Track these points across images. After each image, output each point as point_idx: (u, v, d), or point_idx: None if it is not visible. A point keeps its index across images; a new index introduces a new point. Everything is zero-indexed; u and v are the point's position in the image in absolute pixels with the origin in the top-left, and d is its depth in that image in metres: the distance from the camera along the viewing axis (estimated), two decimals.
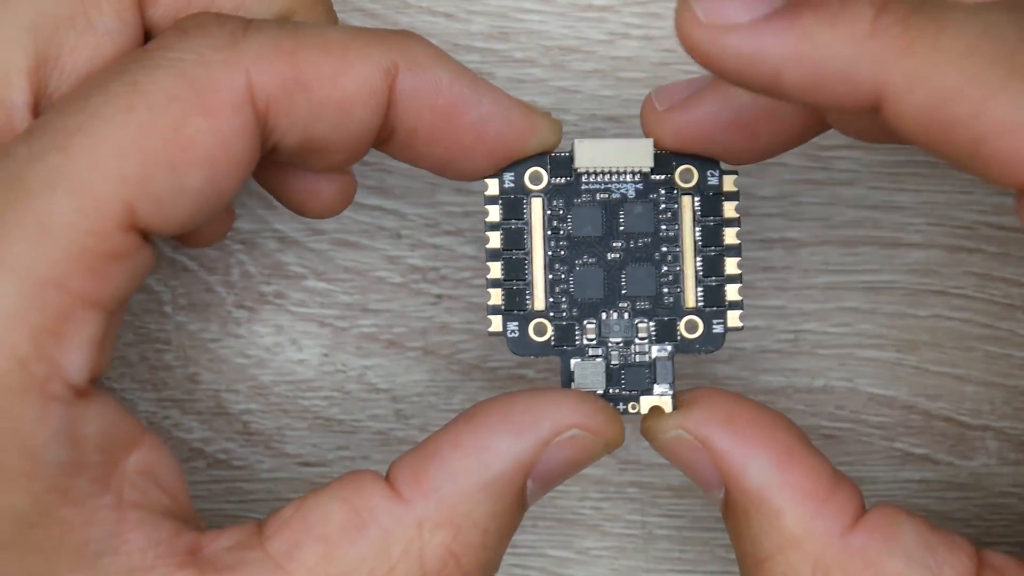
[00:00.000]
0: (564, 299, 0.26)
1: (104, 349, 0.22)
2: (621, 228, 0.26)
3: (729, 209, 0.26)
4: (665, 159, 0.26)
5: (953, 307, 0.31)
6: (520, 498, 0.24)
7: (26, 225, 0.21)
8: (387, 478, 0.24)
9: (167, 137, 0.22)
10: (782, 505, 0.23)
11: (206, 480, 0.32)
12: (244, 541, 0.23)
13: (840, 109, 0.22)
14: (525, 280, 0.26)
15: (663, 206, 0.26)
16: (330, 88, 0.24)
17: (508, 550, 0.31)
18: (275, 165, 0.26)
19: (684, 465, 0.25)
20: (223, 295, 0.32)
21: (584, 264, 0.26)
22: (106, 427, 0.22)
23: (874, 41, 0.21)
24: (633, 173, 0.26)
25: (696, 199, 0.26)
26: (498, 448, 0.24)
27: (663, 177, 0.26)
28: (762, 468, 0.24)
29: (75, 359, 0.21)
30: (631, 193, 0.26)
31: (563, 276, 0.26)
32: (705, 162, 0.26)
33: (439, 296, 0.32)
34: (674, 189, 0.26)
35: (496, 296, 0.26)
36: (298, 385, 0.32)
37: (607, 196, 0.26)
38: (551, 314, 0.26)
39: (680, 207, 0.26)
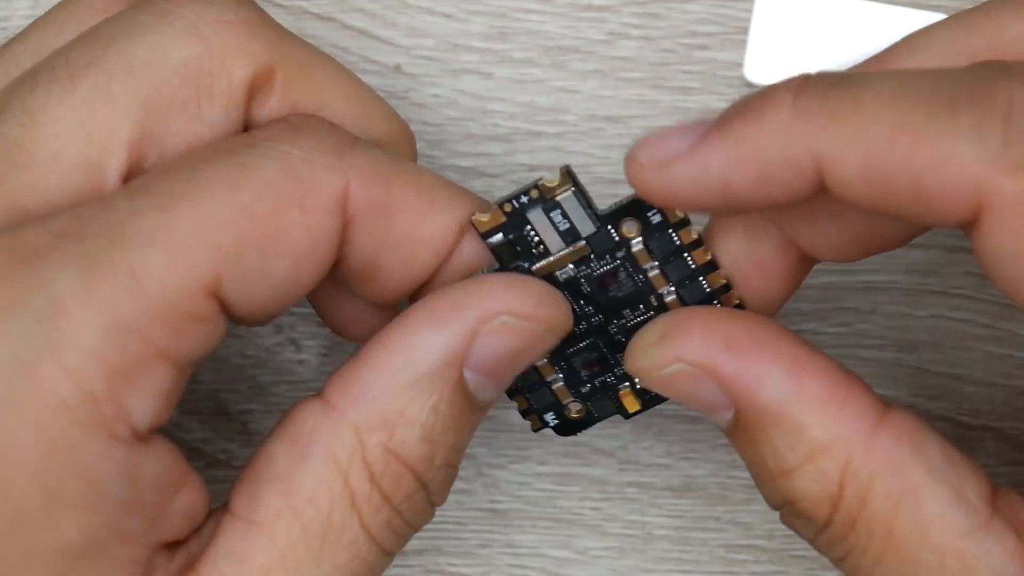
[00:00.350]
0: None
1: (169, 403, 0.23)
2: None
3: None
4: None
5: (953, 307, 0.31)
6: (460, 391, 0.24)
7: (119, 273, 0.22)
8: (321, 395, 0.24)
9: (264, 222, 0.23)
10: (803, 417, 0.23)
11: (206, 480, 0.31)
12: (217, 522, 0.24)
13: (793, 194, 0.22)
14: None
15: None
16: (411, 226, 0.25)
17: (508, 550, 0.31)
18: (331, 285, 0.27)
19: (685, 396, 0.24)
20: None
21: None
22: (162, 470, 0.23)
23: (798, 121, 0.22)
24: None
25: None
26: (424, 343, 0.24)
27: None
28: (775, 384, 0.23)
29: (142, 406, 0.22)
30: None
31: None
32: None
33: None
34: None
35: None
36: (298, 385, 0.32)
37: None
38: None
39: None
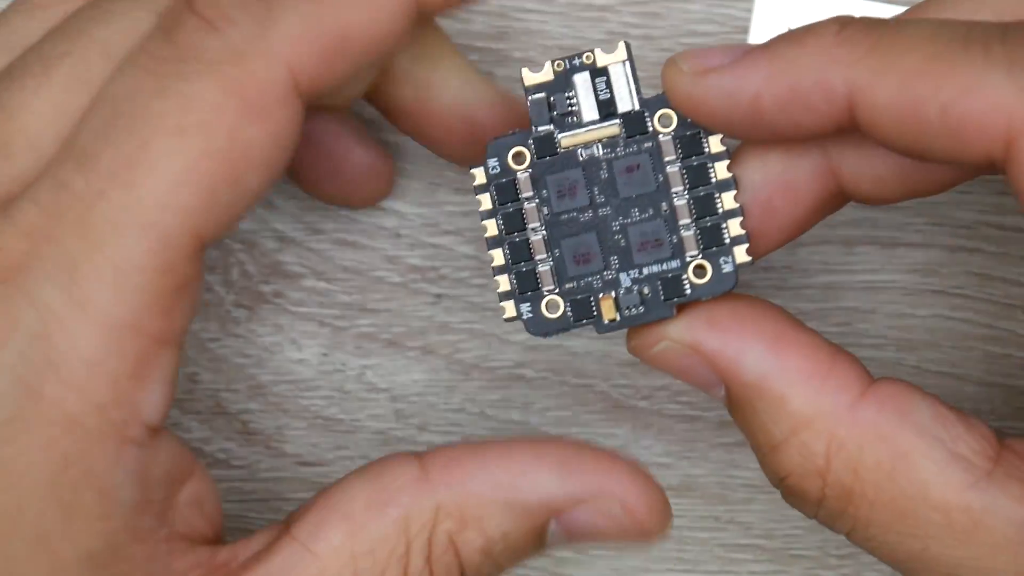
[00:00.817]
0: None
1: (174, 385, 0.23)
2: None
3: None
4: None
5: (953, 307, 0.31)
6: (538, 532, 0.24)
7: (102, 273, 0.21)
8: (421, 459, 0.24)
9: (223, 155, 0.22)
10: (784, 390, 0.23)
11: None
12: (272, 536, 0.24)
13: (819, 122, 0.23)
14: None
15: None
16: (367, 37, 0.23)
17: None
18: (312, 162, 0.27)
19: (679, 373, 0.25)
20: (222, 294, 0.32)
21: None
22: (170, 464, 0.23)
23: (840, 47, 0.22)
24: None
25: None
26: (534, 479, 0.24)
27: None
28: (756, 359, 0.24)
29: (152, 399, 0.22)
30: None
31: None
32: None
33: (438, 296, 0.32)
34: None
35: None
36: (297, 385, 0.32)
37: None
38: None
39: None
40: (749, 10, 0.31)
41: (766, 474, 0.25)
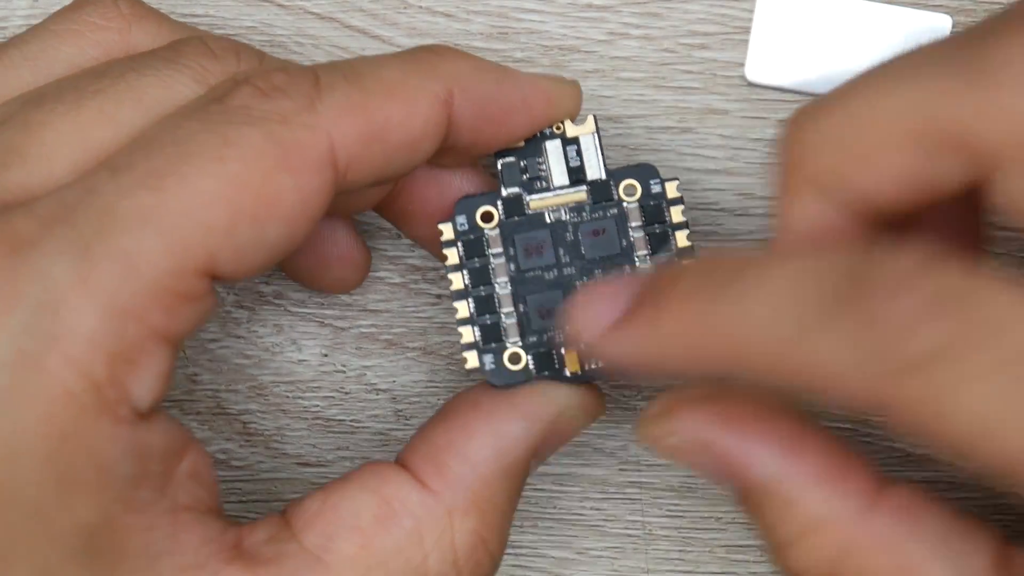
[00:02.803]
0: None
1: (167, 380, 0.23)
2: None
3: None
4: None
5: None
6: (526, 475, 0.26)
7: (114, 258, 0.22)
8: (405, 466, 0.25)
9: (254, 192, 0.23)
10: (795, 494, 0.23)
11: None
12: (276, 534, 0.24)
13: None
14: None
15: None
16: (402, 133, 0.25)
17: (508, 550, 0.31)
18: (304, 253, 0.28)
19: (689, 466, 0.25)
20: (223, 295, 0.32)
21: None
22: (165, 442, 0.23)
23: (696, 335, 0.23)
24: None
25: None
26: (512, 434, 0.25)
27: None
28: (768, 461, 0.24)
29: (142, 387, 0.22)
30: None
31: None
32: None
33: (439, 296, 0.32)
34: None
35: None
36: (298, 385, 0.32)
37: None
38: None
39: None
40: (749, 10, 0.31)
41: (775, 567, 0.25)
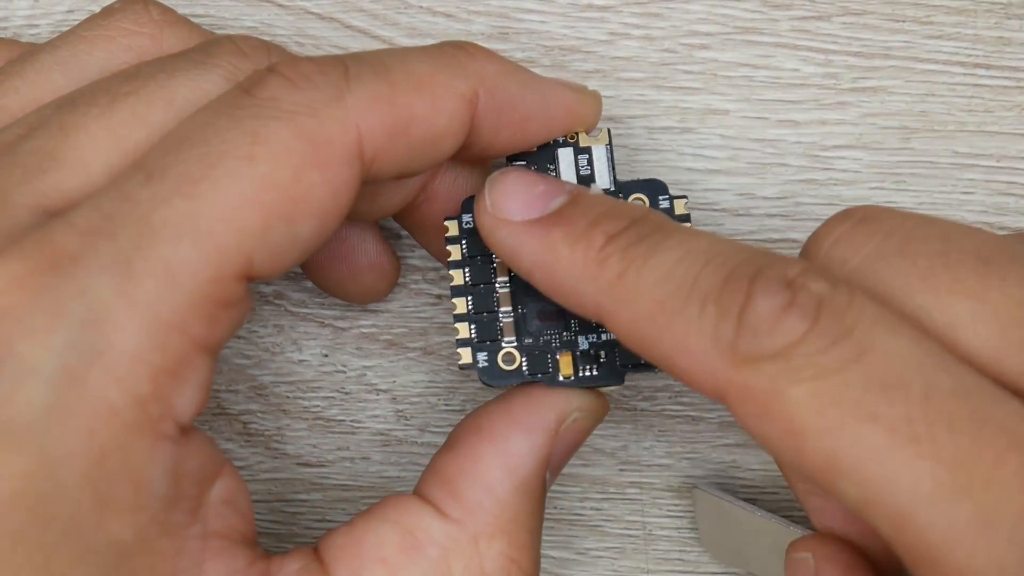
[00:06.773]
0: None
1: (208, 390, 0.23)
2: None
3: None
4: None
5: None
6: (544, 489, 0.26)
7: (155, 271, 0.22)
8: (423, 498, 0.25)
9: (286, 191, 0.23)
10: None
11: None
12: (307, 566, 0.24)
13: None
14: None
15: None
16: (427, 128, 0.25)
17: None
18: (320, 260, 0.28)
19: None
20: None
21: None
22: (201, 461, 0.23)
23: (596, 267, 0.23)
24: None
25: None
26: (518, 450, 0.25)
27: None
28: None
29: (186, 400, 0.22)
30: None
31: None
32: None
33: (439, 296, 0.32)
34: None
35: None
36: (298, 385, 0.32)
37: None
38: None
39: None
40: (749, 10, 0.31)
41: None
